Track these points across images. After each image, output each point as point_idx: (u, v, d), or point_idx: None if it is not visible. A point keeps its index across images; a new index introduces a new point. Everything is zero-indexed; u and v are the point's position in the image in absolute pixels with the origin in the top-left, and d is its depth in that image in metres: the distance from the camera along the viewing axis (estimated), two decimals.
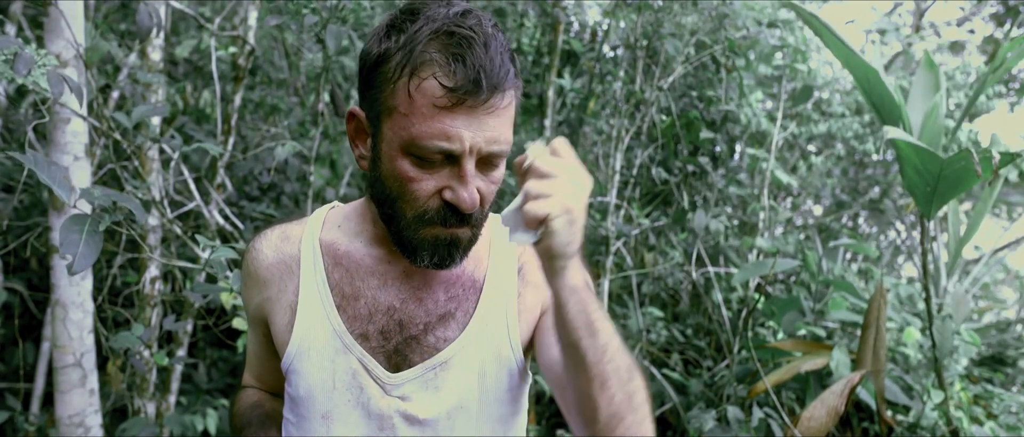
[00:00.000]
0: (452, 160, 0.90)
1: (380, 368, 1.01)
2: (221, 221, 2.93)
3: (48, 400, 3.15)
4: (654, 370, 3.75)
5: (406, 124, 0.89)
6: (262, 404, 1.19)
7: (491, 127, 0.89)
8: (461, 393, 1.02)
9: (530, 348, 1.08)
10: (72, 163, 2.14)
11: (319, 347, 1.02)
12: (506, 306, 1.05)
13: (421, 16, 0.90)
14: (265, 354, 1.17)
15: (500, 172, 0.94)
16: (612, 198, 3.77)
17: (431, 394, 1.01)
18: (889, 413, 3.10)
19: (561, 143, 0.85)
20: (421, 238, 0.95)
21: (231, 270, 1.72)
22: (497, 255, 1.07)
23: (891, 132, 2.33)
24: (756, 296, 3.53)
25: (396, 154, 0.91)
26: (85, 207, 1.44)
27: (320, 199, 3.55)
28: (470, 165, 0.90)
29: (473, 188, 0.90)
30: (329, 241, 1.07)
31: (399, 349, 1.01)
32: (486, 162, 0.92)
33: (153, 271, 2.72)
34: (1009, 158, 2.20)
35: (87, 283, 2.26)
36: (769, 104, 4.84)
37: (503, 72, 0.88)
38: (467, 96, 0.86)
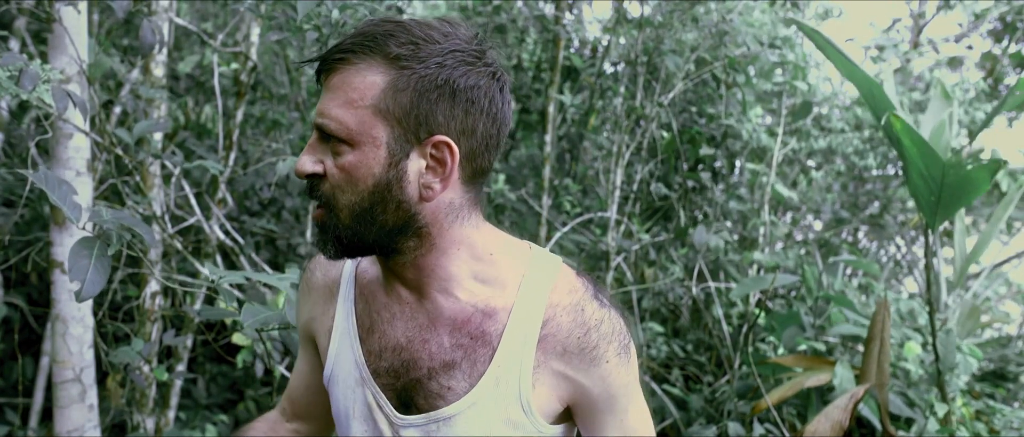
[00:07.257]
0: None
1: (389, 405, 1.01)
2: (222, 236, 2.93)
3: (47, 415, 3.13)
4: (655, 386, 3.74)
5: None
6: (254, 427, 1.23)
7: (324, 101, 0.89)
8: None
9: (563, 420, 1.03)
10: (74, 178, 2.14)
11: (344, 376, 1.04)
12: (521, 371, 0.97)
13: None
14: (306, 368, 1.20)
15: (347, 159, 0.88)
16: (612, 213, 3.78)
17: None
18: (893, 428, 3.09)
19: None
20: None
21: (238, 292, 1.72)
22: (520, 314, 0.97)
23: (896, 122, 2.31)
24: (756, 311, 3.52)
25: None
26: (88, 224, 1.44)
27: None
28: (313, 136, 0.91)
29: (306, 156, 0.91)
30: (363, 269, 1.07)
31: (406, 389, 0.99)
32: (328, 140, 0.90)
33: (153, 286, 2.71)
34: (995, 165, 2.23)
35: None
36: (769, 119, 4.85)
37: (350, 48, 0.87)
38: (316, 68, 0.91)
